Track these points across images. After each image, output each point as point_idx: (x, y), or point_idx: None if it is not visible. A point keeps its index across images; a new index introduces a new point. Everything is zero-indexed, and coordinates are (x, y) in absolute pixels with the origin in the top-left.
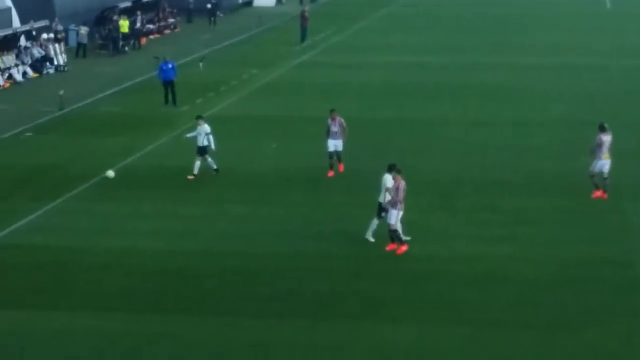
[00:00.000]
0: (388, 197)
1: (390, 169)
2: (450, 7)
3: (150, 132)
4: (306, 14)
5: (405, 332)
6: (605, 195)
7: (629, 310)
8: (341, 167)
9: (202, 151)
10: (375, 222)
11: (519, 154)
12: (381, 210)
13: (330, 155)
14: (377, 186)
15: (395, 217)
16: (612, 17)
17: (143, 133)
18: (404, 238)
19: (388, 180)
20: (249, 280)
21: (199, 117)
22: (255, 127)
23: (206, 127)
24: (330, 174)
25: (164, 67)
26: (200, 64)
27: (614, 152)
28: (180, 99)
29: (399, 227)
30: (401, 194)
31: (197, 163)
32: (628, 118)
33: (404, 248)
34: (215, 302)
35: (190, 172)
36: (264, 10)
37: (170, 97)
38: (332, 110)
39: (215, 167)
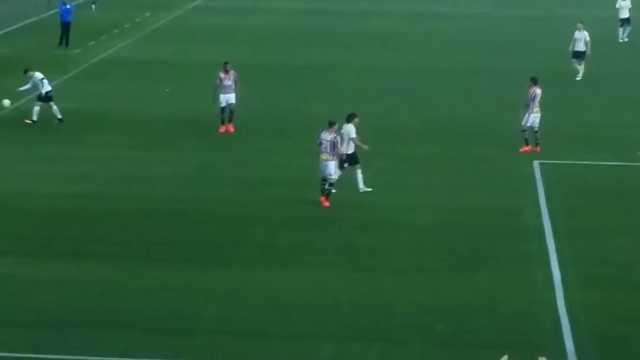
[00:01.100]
0: (351, 148)
1: (351, 118)
2: None
3: (42, 73)
4: None
5: (298, 276)
6: (538, 148)
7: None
8: (231, 127)
9: (46, 99)
10: (359, 172)
11: (414, 101)
12: (345, 161)
13: (223, 109)
14: (270, 132)
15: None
16: None
17: None
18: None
19: (352, 130)
20: (142, 224)
21: (27, 71)
22: (148, 71)
23: (37, 75)
24: (222, 129)
25: (63, 8)
26: (93, 5)
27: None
28: (72, 42)
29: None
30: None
31: (37, 109)
32: (518, 64)
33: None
34: (108, 246)
35: (29, 117)
36: None
37: (64, 39)
38: (226, 63)
39: (59, 116)
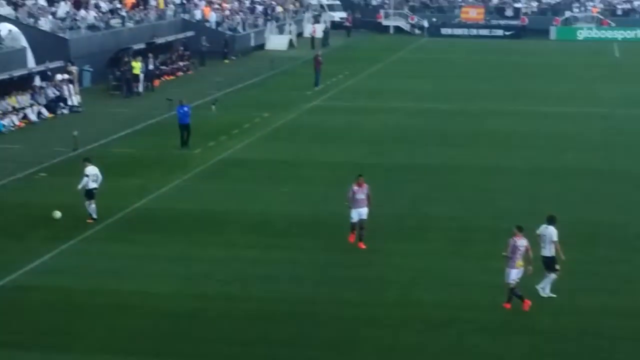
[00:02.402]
0: (552, 251)
1: (553, 220)
2: (460, 54)
3: (162, 174)
4: (320, 58)
5: None
6: None
7: None
8: (362, 245)
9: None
10: (552, 277)
11: (534, 202)
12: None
13: (353, 226)
14: (390, 232)
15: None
16: (620, 66)
17: (156, 175)
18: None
19: (554, 233)
20: (262, 324)
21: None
22: (267, 171)
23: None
24: (352, 239)
25: (181, 111)
26: (213, 106)
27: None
28: (192, 142)
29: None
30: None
31: (93, 207)
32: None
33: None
34: (228, 346)
35: (90, 217)
36: (276, 54)
37: (184, 140)
38: (359, 176)
39: (95, 216)
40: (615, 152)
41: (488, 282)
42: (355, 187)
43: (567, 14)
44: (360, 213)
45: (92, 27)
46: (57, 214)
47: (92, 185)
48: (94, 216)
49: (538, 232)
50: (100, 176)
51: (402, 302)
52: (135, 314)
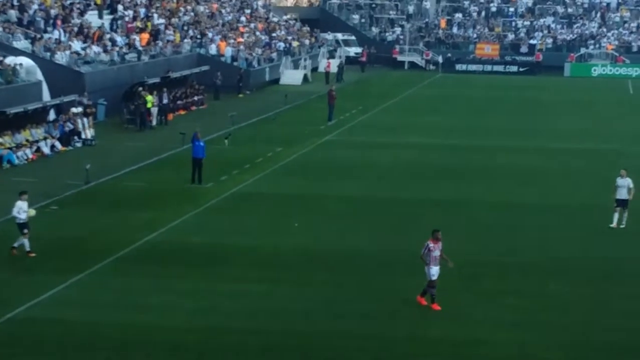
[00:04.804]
0: None
1: None
2: (474, 89)
3: (174, 208)
4: (334, 93)
5: None
6: None
7: None
8: (436, 306)
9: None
10: None
11: (544, 237)
12: None
13: (432, 282)
14: (403, 268)
15: None
16: (634, 103)
17: (167, 209)
18: None
19: None
20: (268, 358)
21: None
22: (279, 205)
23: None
24: (436, 307)
25: (196, 144)
26: (226, 140)
27: None
28: (204, 176)
29: None
30: None
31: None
32: None
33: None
34: None
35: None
36: (290, 89)
37: (197, 175)
38: (436, 231)
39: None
40: None
41: (496, 317)
42: (432, 244)
43: (582, 50)
44: (439, 271)
45: (107, 62)
46: (32, 212)
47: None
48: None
49: None
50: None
51: (412, 337)
52: (142, 348)
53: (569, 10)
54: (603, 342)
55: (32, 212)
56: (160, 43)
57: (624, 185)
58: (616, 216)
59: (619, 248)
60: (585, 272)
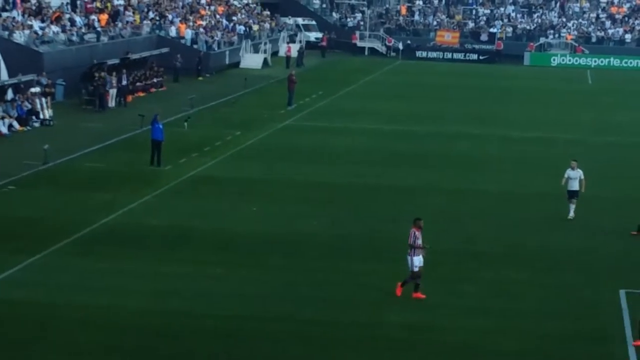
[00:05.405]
0: None
1: None
2: (434, 77)
3: (132, 190)
4: (294, 78)
5: None
6: None
7: None
8: (420, 295)
9: None
10: None
11: (502, 226)
12: None
13: (415, 274)
14: (358, 253)
15: None
16: (592, 94)
17: (126, 190)
18: None
19: None
20: (226, 341)
21: None
22: (238, 189)
23: None
24: (419, 295)
25: (156, 126)
26: (185, 123)
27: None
28: (163, 158)
29: None
30: None
31: None
32: (611, 193)
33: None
34: None
35: None
36: (250, 73)
37: (156, 157)
38: (418, 219)
39: None
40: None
41: (453, 304)
42: (416, 232)
43: (542, 40)
44: (421, 260)
45: (66, 42)
46: None
47: None
48: None
49: None
50: None
51: (369, 323)
52: (100, 330)
53: None
54: (558, 329)
55: None
56: (119, 24)
57: (576, 177)
58: (572, 207)
59: (574, 237)
60: (543, 260)
